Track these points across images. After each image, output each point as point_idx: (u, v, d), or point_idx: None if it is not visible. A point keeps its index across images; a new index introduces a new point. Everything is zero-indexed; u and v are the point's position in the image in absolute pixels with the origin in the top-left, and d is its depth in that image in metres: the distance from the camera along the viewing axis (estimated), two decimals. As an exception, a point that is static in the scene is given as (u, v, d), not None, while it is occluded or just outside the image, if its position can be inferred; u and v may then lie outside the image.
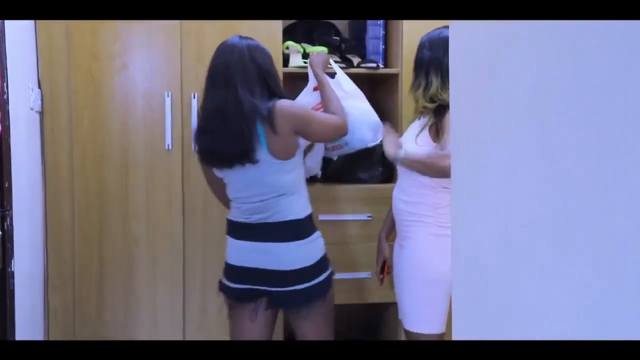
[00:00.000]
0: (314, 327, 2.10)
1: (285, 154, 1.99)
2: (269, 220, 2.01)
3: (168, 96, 2.51)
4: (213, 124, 1.99)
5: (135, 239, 2.54)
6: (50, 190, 2.49)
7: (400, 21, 2.65)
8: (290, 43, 2.68)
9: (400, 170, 2.16)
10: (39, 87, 2.46)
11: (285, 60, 2.66)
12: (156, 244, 2.55)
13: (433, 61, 2.04)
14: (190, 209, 2.56)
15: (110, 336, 2.53)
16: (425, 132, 2.05)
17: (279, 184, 2.00)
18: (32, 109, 2.36)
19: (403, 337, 2.33)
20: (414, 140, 2.07)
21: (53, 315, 2.51)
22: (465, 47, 0.98)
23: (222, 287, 2.14)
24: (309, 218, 2.07)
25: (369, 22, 2.80)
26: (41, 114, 2.47)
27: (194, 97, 2.51)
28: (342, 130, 2.10)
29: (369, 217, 2.63)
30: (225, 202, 2.17)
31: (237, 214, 2.08)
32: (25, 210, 2.24)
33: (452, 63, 1.05)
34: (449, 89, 2.05)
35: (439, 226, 2.05)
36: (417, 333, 2.10)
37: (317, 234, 2.08)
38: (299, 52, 2.69)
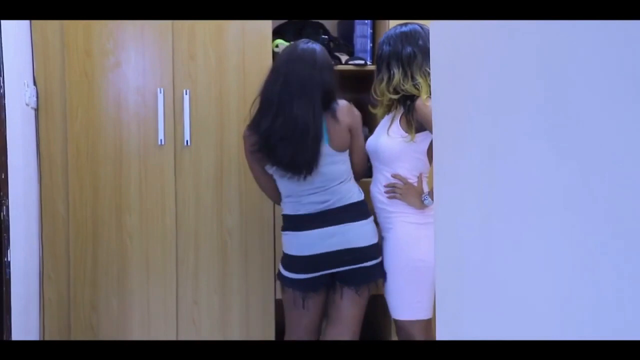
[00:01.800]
0: (356, 311, 2.19)
1: (341, 145, 2.17)
2: (333, 206, 2.14)
3: (160, 92, 2.57)
4: (286, 130, 2.09)
5: (128, 232, 2.59)
6: (45, 184, 2.54)
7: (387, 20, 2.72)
8: (280, 41, 2.75)
9: (376, 166, 2.24)
10: (34, 84, 2.51)
11: (275, 59, 2.72)
12: (149, 237, 2.60)
13: (393, 55, 2.15)
14: (182, 203, 2.61)
15: (104, 327, 2.58)
16: (396, 123, 2.14)
17: (336, 173, 2.16)
18: (27, 104, 2.41)
19: (393, 327, 2.38)
20: (385, 133, 2.15)
21: (48, 306, 2.55)
22: (446, 43, 1.03)
23: (288, 281, 2.20)
24: (365, 202, 2.21)
25: (356, 21, 2.87)
26: (36, 110, 2.52)
27: (186, 93, 2.57)
28: (361, 172, 2.31)
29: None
30: (276, 197, 2.27)
31: (298, 207, 2.17)
32: (21, 203, 2.29)
33: (433, 58, 1.11)
34: (410, 79, 2.17)
35: (419, 214, 2.12)
36: (403, 320, 2.16)
37: (372, 217, 2.21)
38: (289, 50, 2.74)
